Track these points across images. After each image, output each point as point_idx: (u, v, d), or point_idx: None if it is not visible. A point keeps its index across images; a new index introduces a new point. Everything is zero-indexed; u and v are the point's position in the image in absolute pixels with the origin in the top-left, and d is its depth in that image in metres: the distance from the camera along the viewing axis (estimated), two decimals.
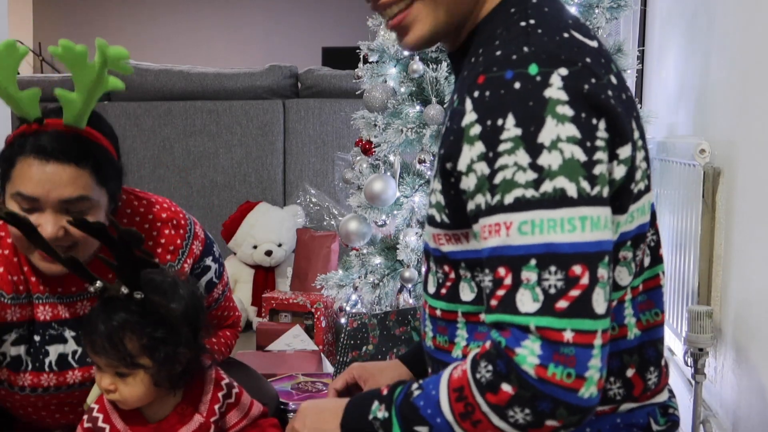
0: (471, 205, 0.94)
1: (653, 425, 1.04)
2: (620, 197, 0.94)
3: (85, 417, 1.32)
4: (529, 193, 0.88)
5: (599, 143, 0.90)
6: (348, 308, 2.32)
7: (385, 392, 1.01)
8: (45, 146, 1.30)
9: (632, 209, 0.98)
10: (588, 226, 0.87)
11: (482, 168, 0.91)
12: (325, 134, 3.59)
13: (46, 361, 1.45)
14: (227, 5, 7.66)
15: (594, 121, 0.89)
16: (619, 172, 0.94)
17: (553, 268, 0.86)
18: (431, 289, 1.09)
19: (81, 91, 1.30)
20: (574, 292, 0.86)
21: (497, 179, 0.89)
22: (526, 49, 0.92)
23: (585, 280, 0.86)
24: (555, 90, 0.89)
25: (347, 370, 1.32)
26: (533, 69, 0.90)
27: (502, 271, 0.89)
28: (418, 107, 2.12)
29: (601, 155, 0.90)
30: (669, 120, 2.44)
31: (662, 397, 1.06)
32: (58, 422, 1.57)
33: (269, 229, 3.15)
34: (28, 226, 1.23)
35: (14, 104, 1.34)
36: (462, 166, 0.93)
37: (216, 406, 1.33)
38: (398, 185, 2.15)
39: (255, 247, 3.14)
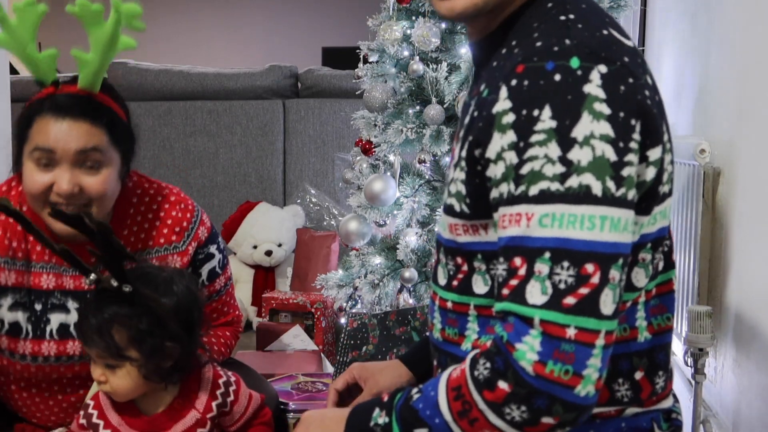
0: (494, 193, 0.94)
1: (656, 430, 1.04)
2: (647, 198, 0.95)
3: (81, 413, 1.33)
4: (555, 186, 0.88)
5: (632, 145, 0.90)
6: (348, 308, 2.32)
7: (385, 399, 1.02)
8: (61, 104, 1.37)
9: (656, 211, 0.98)
10: (607, 226, 0.87)
11: (511, 157, 0.91)
12: (325, 134, 3.59)
13: (47, 329, 1.47)
14: (227, 5, 7.66)
15: (632, 122, 0.90)
16: (649, 174, 0.94)
17: (565, 264, 0.86)
18: (441, 281, 1.09)
19: (96, 50, 1.37)
20: (583, 290, 0.86)
21: (524, 170, 0.89)
22: (567, 41, 0.92)
23: (595, 280, 0.86)
24: (594, 87, 0.89)
25: (347, 370, 1.31)
26: (575, 62, 0.90)
27: (517, 261, 0.89)
28: (418, 107, 2.12)
29: (632, 157, 0.89)
30: (669, 120, 2.44)
31: (667, 402, 1.06)
32: (59, 419, 1.57)
33: (269, 229, 3.15)
34: (22, 217, 1.24)
35: (33, 65, 1.41)
36: (491, 153, 0.93)
37: (214, 403, 1.33)
38: (398, 185, 2.15)
39: (255, 247, 3.14)
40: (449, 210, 1.03)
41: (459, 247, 1.03)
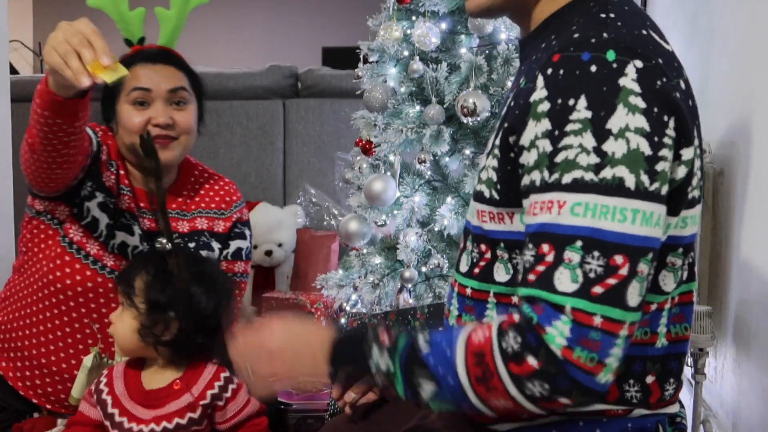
0: (526, 180, 0.94)
1: (661, 431, 1.04)
2: (675, 199, 0.95)
3: (93, 383, 1.45)
4: (589, 176, 0.88)
5: (666, 140, 0.90)
6: (348, 308, 2.31)
7: (386, 341, 1.00)
8: (151, 54, 1.69)
9: (687, 216, 0.98)
10: (639, 219, 0.88)
11: (545, 145, 0.91)
12: (325, 134, 3.59)
13: (111, 242, 1.66)
14: (227, 5, 7.66)
15: (665, 117, 0.90)
16: (680, 172, 0.94)
17: (596, 253, 0.87)
18: (464, 268, 1.09)
19: (175, 6, 1.72)
20: (611, 281, 0.87)
21: (559, 158, 0.90)
22: (605, 35, 0.93)
23: (624, 271, 0.87)
24: (629, 80, 0.89)
25: None
26: (611, 55, 0.90)
27: (545, 247, 0.90)
28: (418, 107, 2.12)
29: (666, 153, 0.90)
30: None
31: (673, 408, 1.06)
32: (69, 365, 1.64)
33: (269, 229, 3.15)
34: (156, 158, 1.55)
35: (124, 23, 1.70)
36: (525, 140, 0.94)
37: (209, 392, 1.38)
38: (398, 185, 2.15)
39: (255, 247, 3.14)
40: (479, 196, 1.04)
41: (484, 234, 1.04)
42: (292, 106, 3.59)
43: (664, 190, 0.90)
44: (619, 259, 0.87)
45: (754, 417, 1.57)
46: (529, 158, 0.93)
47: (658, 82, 0.91)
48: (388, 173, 2.17)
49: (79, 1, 1.65)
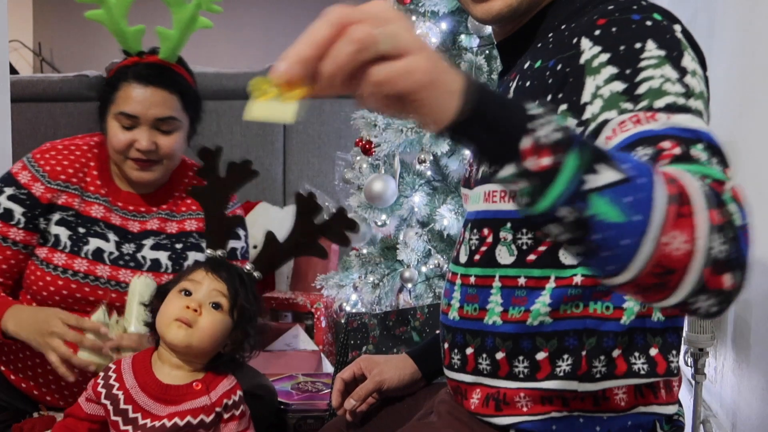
0: (599, 120, 0.88)
1: (658, 429, 1.05)
2: None
3: (100, 374, 1.38)
4: (681, 101, 0.86)
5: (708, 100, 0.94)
6: (348, 308, 2.32)
7: (541, 110, 0.72)
8: (144, 73, 1.65)
9: None
10: None
11: (614, 87, 0.89)
12: (325, 134, 3.59)
13: (84, 248, 1.68)
14: (227, 5, 7.66)
15: (706, 79, 0.96)
16: None
17: (718, 151, 0.81)
18: (463, 259, 1.09)
19: (177, 27, 1.69)
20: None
21: (641, 89, 0.87)
22: (644, 3, 0.96)
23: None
24: (682, 36, 0.94)
25: (355, 362, 1.33)
26: (657, 16, 0.94)
27: (667, 144, 0.80)
28: None
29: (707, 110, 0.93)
30: None
31: (672, 409, 1.06)
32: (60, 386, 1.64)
33: (269, 229, 3.15)
34: (215, 171, 1.46)
35: (122, 38, 1.70)
36: (586, 97, 0.91)
37: (225, 400, 1.34)
38: (398, 185, 2.15)
39: (255, 247, 3.14)
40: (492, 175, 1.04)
41: (491, 216, 1.04)
42: None
43: None
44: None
45: (754, 417, 1.57)
46: (593, 108, 0.89)
47: (696, 47, 0.96)
48: (388, 173, 2.17)
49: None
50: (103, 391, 1.34)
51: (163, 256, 1.72)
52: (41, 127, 3.49)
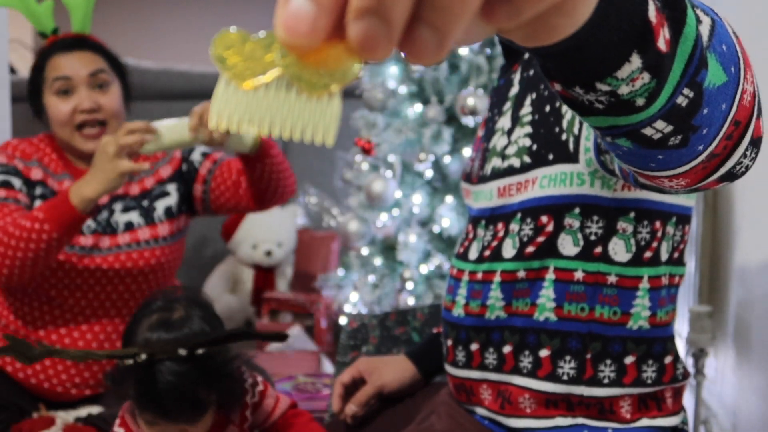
0: None
1: None
2: None
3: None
4: None
5: None
6: (348, 308, 2.32)
7: None
8: (66, 43, 1.72)
9: None
10: None
11: None
12: None
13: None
14: (227, 5, 7.67)
15: None
16: None
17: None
18: (473, 256, 1.10)
19: None
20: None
21: None
22: None
23: None
24: None
25: (354, 365, 1.32)
26: None
27: None
28: (418, 107, 2.12)
29: None
30: None
31: (676, 420, 1.06)
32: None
33: (269, 229, 3.15)
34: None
35: (33, 17, 1.77)
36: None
37: (247, 412, 1.28)
38: (398, 185, 2.15)
39: (255, 247, 3.14)
40: (507, 171, 1.05)
41: (509, 210, 1.05)
42: None
43: None
44: None
45: (754, 417, 1.57)
46: None
47: None
48: (388, 173, 2.17)
49: None
50: None
51: (134, 216, 1.77)
52: (41, 127, 3.48)
